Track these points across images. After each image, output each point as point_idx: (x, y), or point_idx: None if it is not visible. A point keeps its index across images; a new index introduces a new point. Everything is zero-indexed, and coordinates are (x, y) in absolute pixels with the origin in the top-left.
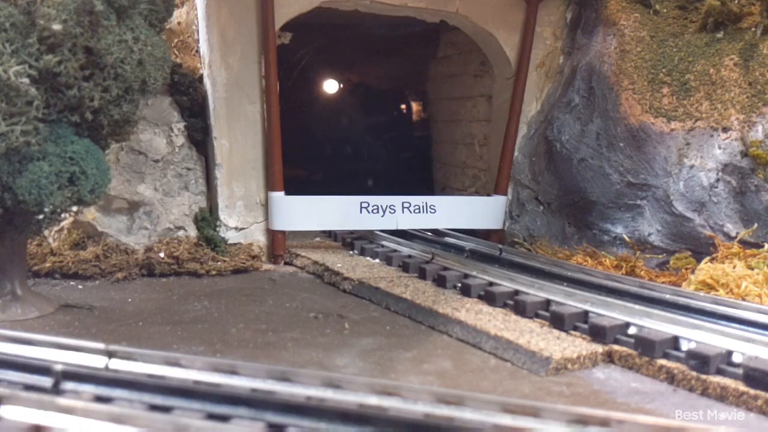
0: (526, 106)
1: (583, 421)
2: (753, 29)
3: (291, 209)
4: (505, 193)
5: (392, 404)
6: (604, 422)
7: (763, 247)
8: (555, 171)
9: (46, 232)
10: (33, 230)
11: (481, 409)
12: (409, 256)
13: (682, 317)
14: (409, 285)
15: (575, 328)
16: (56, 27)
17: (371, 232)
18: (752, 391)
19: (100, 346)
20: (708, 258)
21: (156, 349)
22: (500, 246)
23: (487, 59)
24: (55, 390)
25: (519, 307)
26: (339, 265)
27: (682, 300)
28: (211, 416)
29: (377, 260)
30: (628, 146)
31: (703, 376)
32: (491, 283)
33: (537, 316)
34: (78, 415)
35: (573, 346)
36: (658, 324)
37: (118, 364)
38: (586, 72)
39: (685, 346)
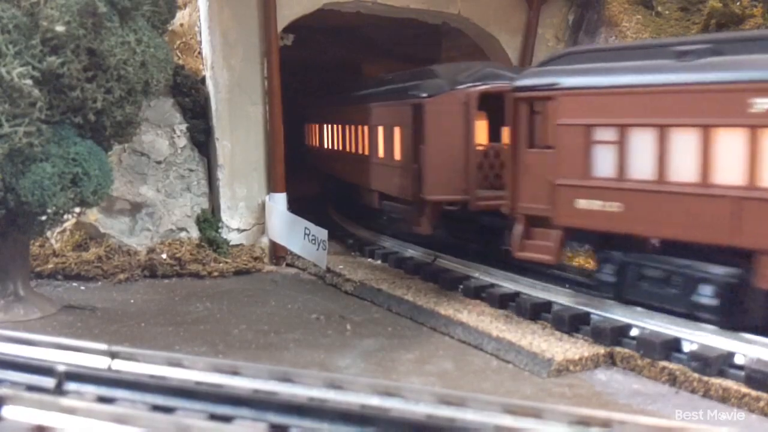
0: None
1: (585, 422)
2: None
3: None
4: None
5: (394, 405)
6: (605, 423)
7: None
8: None
9: (48, 234)
10: (36, 231)
11: (483, 410)
12: (411, 258)
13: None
14: (411, 286)
15: (577, 330)
16: (59, 29)
17: (373, 233)
18: (754, 393)
19: (103, 347)
20: None
21: (158, 349)
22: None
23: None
24: (58, 390)
25: (521, 308)
26: (341, 266)
27: None
28: (214, 417)
29: (379, 261)
30: None
31: (705, 378)
32: (493, 285)
33: (539, 317)
34: (81, 416)
35: (575, 347)
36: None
37: (120, 365)
38: None
39: (687, 347)
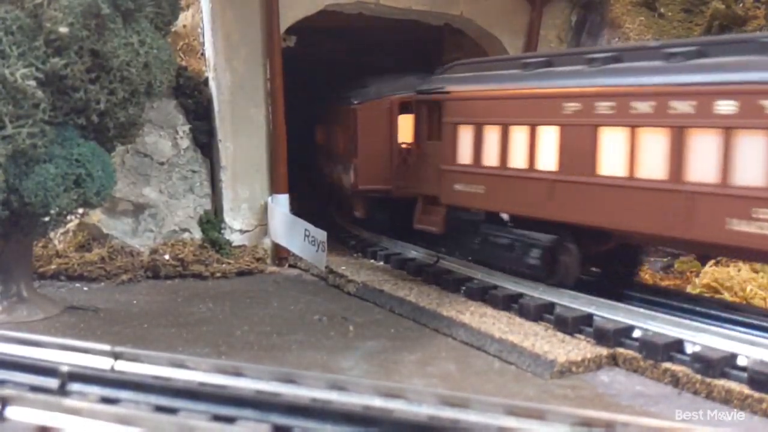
0: None
1: (587, 423)
2: (758, 32)
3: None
4: None
5: (397, 406)
6: (608, 425)
7: None
8: None
9: (51, 235)
10: (39, 232)
11: (485, 411)
12: (414, 259)
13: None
14: (413, 287)
15: (580, 332)
16: (63, 30)
17: (375, 234)
18: (757, 395)
19: (106, 347)
20: (713, 261)
21: (161, 350)
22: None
23: None
24: (62, 391)
25: (524, 310)
26: (343, 267)
27: None
28: (217, 418)
29: (381, 263)
30: None
31: (708, 379)
32: (495, 286)
33: (541, 319)
34: (84, 417)
35: (577, 349)
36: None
37: (123, 366)
38: None
39: (689, 349)
